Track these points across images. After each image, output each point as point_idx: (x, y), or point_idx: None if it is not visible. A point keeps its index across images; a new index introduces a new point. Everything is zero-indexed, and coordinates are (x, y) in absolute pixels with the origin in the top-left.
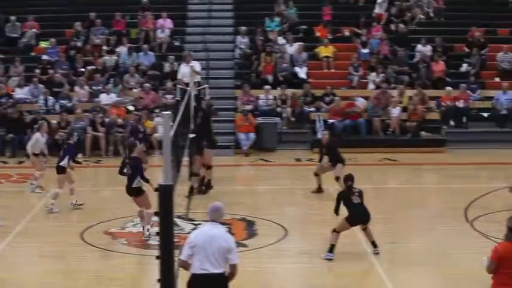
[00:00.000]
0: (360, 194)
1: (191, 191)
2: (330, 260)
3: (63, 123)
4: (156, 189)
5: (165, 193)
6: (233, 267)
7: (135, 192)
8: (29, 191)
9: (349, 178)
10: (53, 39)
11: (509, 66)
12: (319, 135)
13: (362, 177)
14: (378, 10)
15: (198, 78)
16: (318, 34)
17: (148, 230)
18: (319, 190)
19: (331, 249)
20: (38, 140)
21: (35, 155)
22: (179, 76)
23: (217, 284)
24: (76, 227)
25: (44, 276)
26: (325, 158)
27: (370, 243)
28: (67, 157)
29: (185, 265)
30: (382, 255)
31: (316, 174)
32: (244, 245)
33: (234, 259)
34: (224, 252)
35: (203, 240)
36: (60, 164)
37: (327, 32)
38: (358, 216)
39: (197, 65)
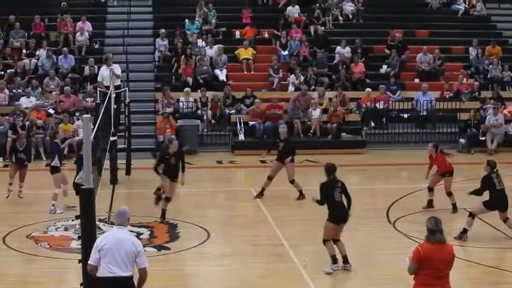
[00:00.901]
0: (343, 188)
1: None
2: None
3: None
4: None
5: (87, 196)
6: (143, 271)
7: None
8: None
9: (332, 169)
10: None
11: (428, 67)
12: (240, 138)
13: (283, 179)
14: (295, 13)
15: (118, 82)
16: (240, 35)
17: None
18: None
19: (334, 259)
20: None
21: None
22: (99, 79)
23: (125, 287)
24: None
25: None
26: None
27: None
28: (56, 156)
29: (94, 269)
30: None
31: (269, 178)
32: (167, 248)
33: (143, 263)
34: (132, 256)
35: (110, 244)
36: (52, 164)
37: (253, 33)
38: (340, 215)
39: (117, 68)
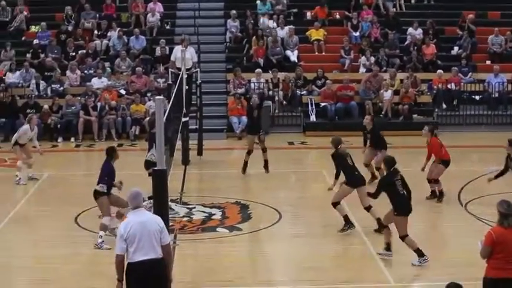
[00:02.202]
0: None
1: None
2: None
3: (55, 107)
4: (150, 174)
5: (160, 177)
6: (167, 247)
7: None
8: (14, 182)
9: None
10: (43, 24)
11: (499, 49)
12: (312, 119)
13: (355, 160)
14: None
15: (190, 63)
16: (311, 16)
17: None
18: (373, 178)
19: (419, 252)
20: (25, 132)
21: (20, 145)
22: (172, 59)
23: (156, 269)
24: (70, 212)
25: (40, 261)
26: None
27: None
28: (104, 178)
29: (122, 259)
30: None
31: (366, 165)
32: (239, 229)
33: (166, 239)
34: (158, 235)
35: (135, 229)
36: (97, 188)
37: (324, 13)
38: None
39: (192, 51)
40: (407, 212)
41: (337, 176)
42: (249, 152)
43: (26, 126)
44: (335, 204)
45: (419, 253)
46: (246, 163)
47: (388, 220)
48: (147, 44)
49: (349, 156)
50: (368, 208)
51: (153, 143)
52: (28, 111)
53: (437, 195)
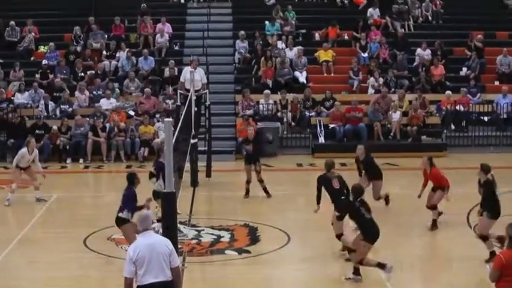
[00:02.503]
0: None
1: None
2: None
3: (64, 128)
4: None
5: (169, 200)
6: (176, 270)
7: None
8: (4, 204)
9: (359, 191)
10: (51, 44)
11: (508, 69)
12: (320, 140)
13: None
14: (375, 15)
15: (199, 85)
16: (320, 37)
17: None
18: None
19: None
20: (23, 156)
21: (23, 168)
22: (182, 80)
23: None
24: (79, 234)
25: (48, 283)
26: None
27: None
28: (127, 205)
29: (131, 282)
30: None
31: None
32: (248, 251)
33: (175, 261)
34: (167, 257)
35: (144, 252)
36: (120, 214)
37: (335, 33)
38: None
39: (201, 72)
40: (373, 240)
41: (318, 200)
42: (248, 182)
43: (23, 150)
44: (339, 236)
45: (357, 271)
46: (247, 190)
47: (356, 245)
48: (155, 65)
49: (336, 179)
50: (339, 236)
51: (160, 172)
52: (37, 132)
53: (436, 225)
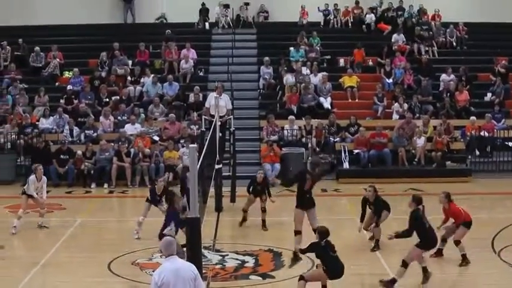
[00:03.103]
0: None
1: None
2: None
3: (88, 153)
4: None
5: (193, 225)
6: None
7: None
8: (11, 232)
9: (326, 233)
10: (76, 69)
11: None
12: (345, 166)
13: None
14: (399, 41)
15: (224, 111)
16: (343, 62)
17: None
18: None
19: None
20: (33, 183)
21: (27, 195)
22: (206, 106)
23: None
24: (103, 258)
25: None
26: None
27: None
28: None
29: None
30: (409, 285)
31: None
32: (272, 276)
33: (201, 286)
34: (192, 281)
35: (169, 276)
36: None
37: (362, 56)
38: (336, 270)
39: (226, 98)
40: (336, 277)
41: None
42: (244, 210)
43: (32, 177)
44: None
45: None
46: (244, 218)
47: (317, 278)
48: (180, 90)
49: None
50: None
51: (171, 220)
52: (61, 157)
53: (466, 258)
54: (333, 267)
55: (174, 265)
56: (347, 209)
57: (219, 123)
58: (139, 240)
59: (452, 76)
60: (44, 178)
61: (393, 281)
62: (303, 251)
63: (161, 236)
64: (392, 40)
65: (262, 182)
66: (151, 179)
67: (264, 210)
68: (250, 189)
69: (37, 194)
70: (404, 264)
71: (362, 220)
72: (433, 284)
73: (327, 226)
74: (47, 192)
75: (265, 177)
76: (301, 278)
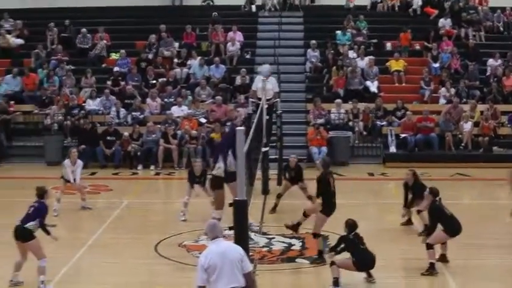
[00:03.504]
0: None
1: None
2: None
3: (135, 135)
4: (230, 204)
5: (240, 208)
6: (249, 275)
7: None
8: (53, 214)
9: (354, 226)
10: (123, 51)
11: None
12: (391, 150)
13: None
14: (446, 25)
15: (271, 94)
16: (390, 46)
17: None
18: (408, 222)
19: (336, 283)
20: (67, 166)
21: (65, 180)
22: (253, 89)
23: None
24: (150, 240)
25: None
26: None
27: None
28: None
29: None
30: (456, 271)
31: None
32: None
33: (247, 267)
34: (239, 263)
35: (216, 259)
36: None
37: (408, 40)
38: (366, 262)
39: (274, 82)
40: (365, 268)
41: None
42: (279, 196)
43: (66, 161)
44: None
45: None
46: (276, 205)
47: (346, 266)
48: (226, 73)
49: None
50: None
51: (219, 153)
52: (108, 138)
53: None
54: (362, 260)
55: (220, 247)
56: (393, 193)
57: (266, 106)
58: (186, 222)
59: (499, 61)
60: (79, 162)
61: (432, 264)
62: (333, 248)
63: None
64: (439, 25)
65: (295, 167)
66: (190, 161)
67: (309, 198)
68: (286, 175)
69: (75, 178)
70: (430, 247)
71: (405, 205)
72: (479, 271)
73: (373, 210)
74: (93, 174)
75: (298, 162)
76: (332, 263)
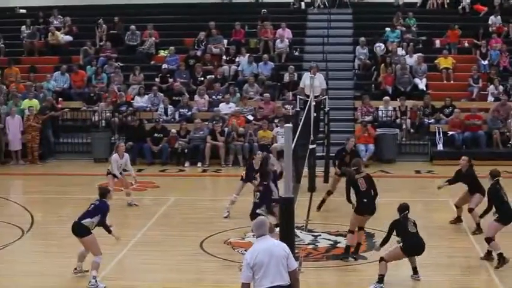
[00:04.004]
0: (415, 224)
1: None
2: None
3: (182, 132)
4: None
5: (286, 205)
6: (294, 273)
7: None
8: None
9: (404, 208)
10: (172, 48)
11: None
12: (439, 147)
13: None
14: (496, 23)
15: (318, 91)
16: (439, 43)
17: None
18: (457, 220)
19: (381, 280)
20: (115, 161)
21: (113, 175)
22: (301, 86)
23: None
24: (195, 236)
25: (164, 285)
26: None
27: (412, 269)
28: None
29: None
30: (504, 271)
31: (457, 206)
32: (364, 257)
33: (293, 264)
34: (285, 261)
35: (262, 256)
36: None
37: (456, 37)
38: (414, 246)
39: (321, 78)
40: (411, 254)
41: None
42: (329, 193)
43: (115, 155)
44: (382, 259)
45: (380, 280)
46: (323, 201)
47: (396, 256)
48: (274, 70)
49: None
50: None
51: (265, 195)
52: (155, 135)
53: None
54: (410, 243)
55: (266, 245)
56: (440, 191)
57: (313, 103)
58: (230, 219)
59: None
60: (126, 155)
61: (501, 255)
62: (385, 240)
63: (253, 215)
64: (489, 22)
65: (351, 152)
66: (245, 158)
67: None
68: (337, 162)
69: (121, 172)
70: (489, 240)
71: (449, 182)
72: None
73: (420, 208)
74: (140, 170)
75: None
76: (381, 259)
